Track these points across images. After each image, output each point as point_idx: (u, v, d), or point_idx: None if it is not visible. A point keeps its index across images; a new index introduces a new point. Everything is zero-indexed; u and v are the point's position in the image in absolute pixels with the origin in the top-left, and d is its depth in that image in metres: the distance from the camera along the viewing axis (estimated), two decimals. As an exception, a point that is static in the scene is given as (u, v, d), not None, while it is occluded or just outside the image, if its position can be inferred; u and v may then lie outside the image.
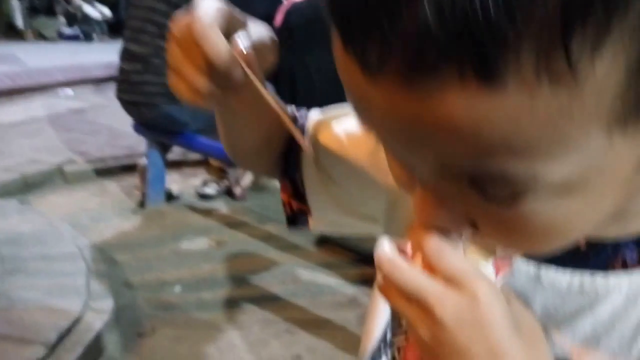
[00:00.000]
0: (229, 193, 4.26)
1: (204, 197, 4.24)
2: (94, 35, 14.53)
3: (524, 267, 0.51)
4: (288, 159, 0.76)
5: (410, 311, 0.42)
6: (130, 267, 3.14)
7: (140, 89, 3.43)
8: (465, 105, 0.31)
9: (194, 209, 4.07)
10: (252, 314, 2.77)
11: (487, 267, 0.44)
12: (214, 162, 4.44)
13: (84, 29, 14.49)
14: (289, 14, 3.84)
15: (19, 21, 14.14)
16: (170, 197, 4.12)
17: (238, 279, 3.08)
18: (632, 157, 0.36)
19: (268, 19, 3.99)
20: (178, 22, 0.54)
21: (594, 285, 0.48)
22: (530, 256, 0.46)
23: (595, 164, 0.35)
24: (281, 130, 0.71)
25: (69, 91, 8.10)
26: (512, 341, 0.41)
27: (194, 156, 4.68)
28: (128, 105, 3.60)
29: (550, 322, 0.49)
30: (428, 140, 0.35)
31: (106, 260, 3.13)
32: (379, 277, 0.45)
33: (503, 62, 0.29)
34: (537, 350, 0.44)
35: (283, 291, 2.93)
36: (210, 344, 2.56)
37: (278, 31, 3.96)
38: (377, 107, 0.35)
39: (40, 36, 14.50)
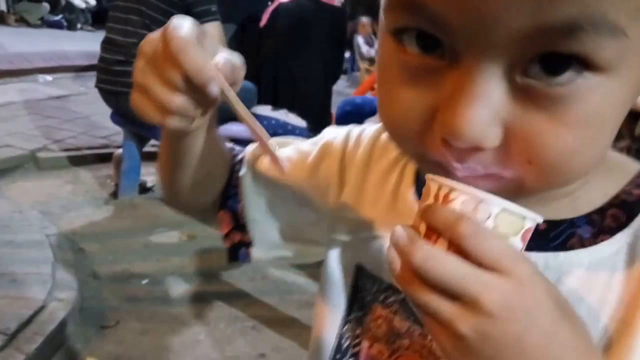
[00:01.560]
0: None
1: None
2: (78, 24, 14.42)
3: None
4: (228, 193, 0.76)
5: (445, 306, 0.39)
6: (98, 258, 3.09)
7: (121, 80, 3.39)
8: None
9: (167, 202, 4.02)
10: (219, 310, 2.75)
11: (516, 242, 0.42)
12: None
13: (68, 17, 14.38)
14: (274, 14, 3.84)
15: (2, 5, 13.98)
16: (143, 189, 4.07)
17: (207, 274, 3.05)
18: None
19: (254, 19, 3.98)
20: (150, 40, 0.52)
21: (557, 262, 0.51)
22: (527, 192, 0.44)
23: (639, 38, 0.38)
24: (224, 165, 0.74)
25: (48, 78, 8.00)
26: (562, 322, 0.40)
27: (171, 149, 4.64)
28: (107, 94, 3.56)
29: None
30: None
31: (74, 250, 3.09)
32: (397, 267, 0.42)
33: None
34: (580, 327, 0.43)
35: (252, 288, 2.90)
36: (174, 339, 2.53)
37: (263, 31, 3.96)
38: None
39: (23, 21, 14.35)
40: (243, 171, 0.76)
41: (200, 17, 3.27)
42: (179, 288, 2.90)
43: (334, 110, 4.28)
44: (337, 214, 0.69)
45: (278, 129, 3.69)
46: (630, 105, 0.43)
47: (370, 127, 0.70)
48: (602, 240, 0.51)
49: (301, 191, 0.71)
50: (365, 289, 0.65)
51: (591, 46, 0.36)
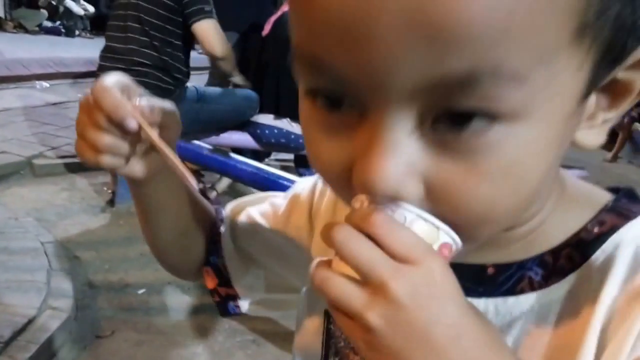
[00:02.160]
0: (203, 197, 4.19)
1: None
2: (76, 31, 14.43)
3: None
4: (210, 249, 0.79)
5: (355, 293, 0.39)
6: (94, 267, 3.05)
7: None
8: None
9: (164, 211, 3.99)
10: (217, 323, 2.70)
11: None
12: (188, 164, 4.38)
13: (66, 24, 14.38)
14: (277, 24, 3.84)
15: (1, 11, 13.99)
16: (141, 197, 4.04)
17: (203, 285, 2.99)
18: (575, 90, 0.39)
19: (256, 28, 3.97)
20: (86, 94, 0.59)
21: (507, 307, 0.50)
22: (465, 240, 0.43)
23: (554, 82, 0.37)
24: (202, 224, 0.77)
25: (45, 84, 7.99)
26: (471, 317, 0.40)
27: (168, 158, 4.63)
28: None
29: None
30: (427, 32, 0.34)
31: (69, 258, 3.05)
32: (317, 259, 0.43)
33: None
34: (490, 325, 0.43)
35: (251, 301, 2.86)
36: (171, 351, 2.48)
37: (265, 40, 3.96)
38: (367, 5, 0.34)
39: (21, 27, 14.35)
40: (223, 228, 0.79)
41: (195, 16, 3.26)
42: (177, 299, 2.85)
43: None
44: (309, 262, 0.69)
45: (281, 138, 3.67)
46: (564, 148, 0.43)
47: None
48: (553, 283, 0.50)
49: (277, 243, 0.74)
50: (336, 335, 0.65)
51: (492, 97, 0.35)
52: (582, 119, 0.43)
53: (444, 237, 0.41)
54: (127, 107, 0.57)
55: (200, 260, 0.80)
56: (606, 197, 0.52)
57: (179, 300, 2.84)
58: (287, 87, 3.72)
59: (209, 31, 3.26)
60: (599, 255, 0.48)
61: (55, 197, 4.04)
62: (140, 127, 0.58)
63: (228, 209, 0.81)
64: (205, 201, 0.79)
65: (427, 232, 0.41)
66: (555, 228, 0.51)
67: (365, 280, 0.39)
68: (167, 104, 0.62)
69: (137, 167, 0.62)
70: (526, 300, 0.50)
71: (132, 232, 3.55)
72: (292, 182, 2.54)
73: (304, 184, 0.75)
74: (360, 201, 0.43)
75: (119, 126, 0.57)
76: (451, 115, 0.37)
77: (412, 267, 0.39)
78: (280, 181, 2.45)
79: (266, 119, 3.72)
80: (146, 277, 3.00)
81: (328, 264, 0.42)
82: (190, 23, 3.26)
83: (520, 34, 0.34)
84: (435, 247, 0.41)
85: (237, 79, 3.58)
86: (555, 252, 0.50)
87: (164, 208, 0.71)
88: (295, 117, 3.68)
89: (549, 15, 0.35)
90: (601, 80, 0.41)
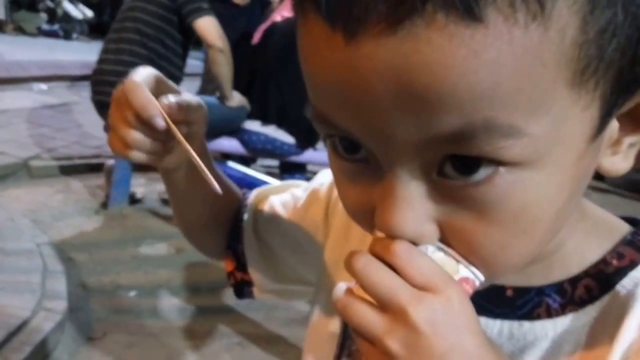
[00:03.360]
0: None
1: (167, 202, 4.21)
2: (74, 34, 14.43)
3: None
4: (232, 233, 0.81)
5: (375, 320, 0.40)
6: (87, 268, 3.10)
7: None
8: (450, 44, 0.33)
9: (156, 214, 4.04)
10: (205, 325, 2.75)
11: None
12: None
13: (64, 27, 14.37)
14: (267, 33, 3.88)
15: (1, 13, 13.99)
16: (133, 200, 4.09)
17: (194, 288, 3.06)
18: (585, 129, 0.39)
19: (246, 36, 4.01)
20: (118, 88, 0.61)
21: (522, 332, 0.50)
22: (489, 274, 0.44)
23: (557, 128, 0.37)
24: (228, 208, 0.79)
25: (42, 86, 8.01)
26: (488, 347, 0.41)
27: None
28: (101, 107, 3.59)
29: None
30: (414, 97, 0.35)
31: (63, 260, 3.08)
32: (339, 292, 0.43)
33: None
34: (504, 357, 0.44)
35: (239, 304, 2.90)
36: (160, 352, 2.54)
37: (255, 49, 4.00)
38: (360, 76, 0.36)
39: (20, 30, 14.35)
40: (246, 215, 0.80)
41: (192, 14, 3.34)
42: (167, 301, 2.91)
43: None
44: (325, 258, 0.71)
45: (267, 145, 3.72)
46: (582, 184, 0.43)
47: None
48: (570, 312, 0.49)
49: (293, 234, 0.75)
50: (352, 337, 0.65)
51: (491, 148, 0.36)
52: (605, 146, 0.43)
53: (464, 271, 0.42)
54: (155, 106, 0.58)
55: (224, 242, 0.81)
56: (624, 228, 0.52)
57: (169, 303, 2.90)
58: (275, 95, 3.77)
59: (209, 26, 3.37)
60: (619, 290, 0.48)
61: (51, 198, 4.08)
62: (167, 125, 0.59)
63: (252, 195, 0.81)
64: (234, 186, 0.81)
65: (447, 264, 0.42)
66: (575, 254, 0.51)
67: (385, 307, 0.40)
68: (195, 99, 0.63)
69: (166, 159, 0.65)
70: (541, 327, 0.49)
71: (124, 234, 3.61)
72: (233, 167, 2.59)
73: (323, 179, 0.75)
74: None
75: (146, 124, 0.58)
76: (457, 163, 0.38)
77: (432, 295, 0.39)
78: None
79: (253, 125, 3.76)
80: (138, 280, 3.05)
81: (350, 290, 0.43)
82: (190, 21, 3.34)
83: (507, 93, 0.34)
84: (456, 278, 0.42)
85: (233, 101, 3.63)
86: (574, 281, 0.50)
87: (194, 194, 0.72)
88: (281, 124, 3.74)
89: (536, 72, 0.35)
90: (618, 109, 0.40)
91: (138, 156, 0.61)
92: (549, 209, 0.41)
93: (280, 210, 0.77)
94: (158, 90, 0.61)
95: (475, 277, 0.43)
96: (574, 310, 0.49)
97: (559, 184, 0.40)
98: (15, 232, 3.17)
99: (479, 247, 0.41)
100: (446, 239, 0.42)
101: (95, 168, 4.60)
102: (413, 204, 0.40)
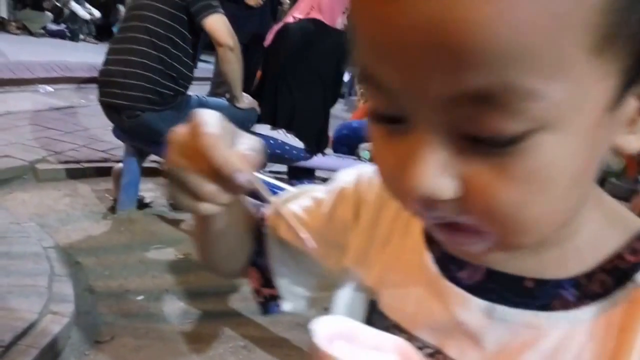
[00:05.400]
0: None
1: (175, 208, 4.22)
2: (80, 35, 14.45)
3: (479, 302, 0.56)
4: (255, 250, 0.81)
5: None
6: (94, 272, 3.11)
7: (124, 94, 3.42)
8: (485, 2, 0.35)
9: (164, 218, 4.05)
10: (212, 329, 2.77)
11: None
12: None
13: (71, 28, 14.39)
14: (279, 36, 3.89)
15: (4, 12, 13.99)
16: (141, 204, 4.09)
17: (201, 293, 3.06)
18: (601, 99, 0.41)
19: (258, 39, 4.03)
20: (179, 132, 0.58)
21: (539, 321, 0.53)
22: (505, 248, 0.47)
23: (575, 94, 0.39)
24: (250, 229, 0.80)
25: (49, 88, 8.03)
26: None
27: (169, 165, 4.66)
28: (109, 109, 3.58)
29: (502, 356, 0.54)
30: (448, 52, 0.37)
31: (71, 263, 3.10)
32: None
33: None
34: None
35: (244, 308, 2.92)
36: (167, 356, 2.55)
37: (267, 52, 4.02)
38: (400, 29, 0.39)
39: (25, 30, 14.37)
40: (266, 229, 0.81)
41: (202, 12, 3.32)
42: (174, 305, 2.92)
43: (331, 132, 4.33)
44: (353, 254, 0.72)
45: (276, 149, 3.73)
46: (597, 156, 0.45)
47: None
48: (584, 305, 0.52)
49: (320, 239, 0.73)
50: (375, 325, 0.65)
51: (511, 110, 0.38)
52: (621, 124, 0.45)
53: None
54: (235, 161, 0.56)
55: (246, 260, 0.82)
56: (638, 223, 0.55)
57: (176, 307, 2.91)
58: (286, 98, 3.78)
59: (219, 24, 3.35)
60: (632, 285, 0.51)
61: (58, 202, 4.08)
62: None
63: (270, 208, 0.81)
64: (251, 207, 0.80)
65: None
66: (590, 245, 0.54)
67: None
68: (258, 142, 0.62)
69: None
70: (557, 318, 0.53)
71: (132, 239, 3.61)
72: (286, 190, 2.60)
73: (347, 177, 0.76)
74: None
75: (226, 179, 0.57)
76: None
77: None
78: (276, 190, 2.50)
79: (263, 129, 3.77)
80: (145, 284, 3.06)
81: None
82: (200, 19, 3.32)
83: (533, 55, 0.36)
84: None
85: (243, 103, 3.64)
86: (590, 275, 0.53)
87: (224, 228, 0.72)
88: (291, 128, 3.74)
89: (560, 35, 0.37)
90: (636, 86, 0.43)
91: (209, 208, 0.60)
92: (564, 172, 0.42)
93: (303, 215, 0.77)
94: (229, 139, 0.59)
95: None
96: (589, 303, 0.52)
97: (576, 149, 0.42)
98: (21, 236, 3.18)
99: (497, 204, 0.43)
100: (465, 200, 0.44)
101: (102, 172, 4.60)
102: (436, 159, 0.43)
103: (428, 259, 0.62)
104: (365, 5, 0.41)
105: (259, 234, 0.81)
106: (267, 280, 0.81)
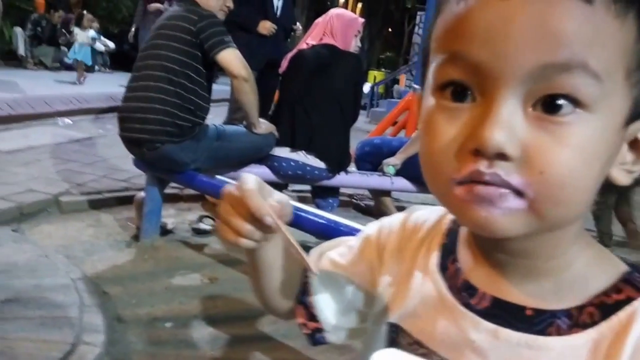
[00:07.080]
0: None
1: (198, 232, 4.26)
2: (95, 66, 14.63)
3: (488, 325, 0.66)
4: (301, 290, 0.93)
5: None
6: (122, 301, 3.13)
7: (143, 128, 3.49)
8: (575, 7, 0.51)
9: (188, 244, 4.09)
10: (242, 353, 2.78)
11: None
12: (210, 197, 4.47)
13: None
14: (293, 62, 3.94)
15: (21, 49, 14.25)
16: (164, 231, 4.13)
17: (230, 317, 3.08)
18: (621, 110, 0.56)
19: (273, 64, 4.09)
20: (230, 189, 0.76)
21: (537, 343, 0.63)
22: (529, 220, 0.56)
23: (612, 94, 0.54)
24: (299, 271, 0.93)
25: (67, 121, 8.14)
26: None
27: (190, 191, 4.73)
28: (130, 143, 3.66)
29: None
30: (547, 33, 0.51)
31: (98, 293, 3.13)
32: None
33: None
34: None
35: (274, 331, 2.93)
36: (199, 382, 2.55)
37: (282, 78, 4.07)
38: (509, 15, 0.52)
39: (41, 64, 14.59)
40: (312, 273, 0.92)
41: (215, 48, 3.41)
42: (203, 331, 2.93)
43: (352, 150, 4.36)
44: (380, 291, 0.84)
45: (297, 170, 3.76)
46: (615, 151, 0.58)
47: (397, 216, 0.88)
48: (575, 332, 0.62)
49: (355, 279, 0.89)
50: (401, 342, 0.76)
51: (578, 85, 0.52)
52: (617, 161, 0.59)
53: None
54: (266, 208, 0.73)
55: (294, 299, 0.94)
56: (622, 266, 0.65)
57: (206, 332, 2.91)
58: (303, 121, 3.82)
59: (232, 58, 3.46)
60: (616, 319, 0.61)
61: (82, 233, 4.13)
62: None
63: (314, 254, 0.96)
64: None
65: None
66: (582, 279, 0.64)
67: None
68: (285, 198, 0.78)
69: (263, 245, 0.80)
70: (552, 342, 0.62)
71: (157, 266, 3.65)
72: (305, 210, 2.63)
73: (371, 228, 0.90)
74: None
75: (258, 220, 0.73)
76: (547, 102, 0.53)
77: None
78: (298, 212, 2.53)
79: (283, 151, 3.81)
80: (173, 311, 3.08)
81: None
82: (213, 54, 3.41)
83: (597, 48, 0.51)
84: None
85: (260, 129, 3.70)
86: (580, 308, 0.63)
87: (270, 265, 0.87)
88: (309, 150, 3.78)
89: (613, 50, 0.53)
90: (634, 123, 0.58)
91: (246, 243, 0.76)
92: (601, 153, 0.56)
93: (340, 260, 0.91)
94: (263, 193, 0.75)
95: None
96: (578, 331, 0.62)
97: (605, 137, 0.55)
98: (50, 268, 3.22)
99: (550, 164, 0.53)
100: (524, 160, 0.54)
101: (124, 201, 4.67)
102: (508, 123, 0.53)
103: (444, 288, 0.72)
104: (479, 9, 0.54)
105: (305, 276, 0.93)
106: (312, 316, 0.92)
